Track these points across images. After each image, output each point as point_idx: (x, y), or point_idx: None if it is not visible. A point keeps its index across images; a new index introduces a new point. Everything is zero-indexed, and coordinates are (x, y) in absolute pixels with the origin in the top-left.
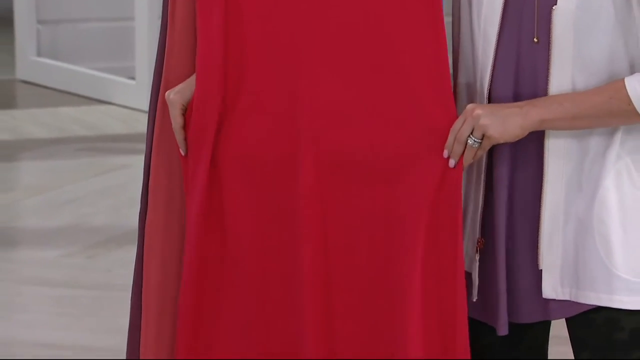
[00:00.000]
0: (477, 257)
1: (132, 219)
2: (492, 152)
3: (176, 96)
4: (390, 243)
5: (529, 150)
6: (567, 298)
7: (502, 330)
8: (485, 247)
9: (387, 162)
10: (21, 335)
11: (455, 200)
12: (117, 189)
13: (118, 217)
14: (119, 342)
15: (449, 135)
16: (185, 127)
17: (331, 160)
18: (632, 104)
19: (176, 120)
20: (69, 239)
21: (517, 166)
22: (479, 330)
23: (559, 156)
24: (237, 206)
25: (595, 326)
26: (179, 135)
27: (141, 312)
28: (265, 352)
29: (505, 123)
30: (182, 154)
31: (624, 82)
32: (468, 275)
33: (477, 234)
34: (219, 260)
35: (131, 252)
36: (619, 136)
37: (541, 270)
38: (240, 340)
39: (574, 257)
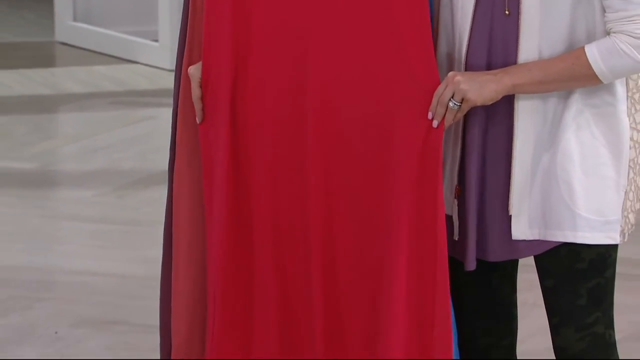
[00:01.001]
0: (456, 202)
1: (157, 163)
2: (468, 112)
3: (195, 71)
4: (382, 188)
5: (500, 111)
6: (535, 238)
7: (471, 266)
8: (462, 194)
9: (379, 120)
10: (60, 264)
11: (437, 154)
12: (143, 138)
13: (144, 161)
14: (146, 271)
15: (433, 99)
16: (203, 98)
17: (333, 117)
18: (592, 68)
19: (195, 92)
20: (101, 181)
21: (490, 125)
22: (458, 264)
23: (526, 115)
24: (256, 159)
25: (559, 258)
26: (197, 105)
27: (171, 246)
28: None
29: (481, 88)
30: (198, 121)
31: (584, 50)
32: (449, 218)
33: (455, 182)
34: (242, 204)
35: (156, 192)
36: (577, 95)
37: (511, 215)
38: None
39: (542, 202)
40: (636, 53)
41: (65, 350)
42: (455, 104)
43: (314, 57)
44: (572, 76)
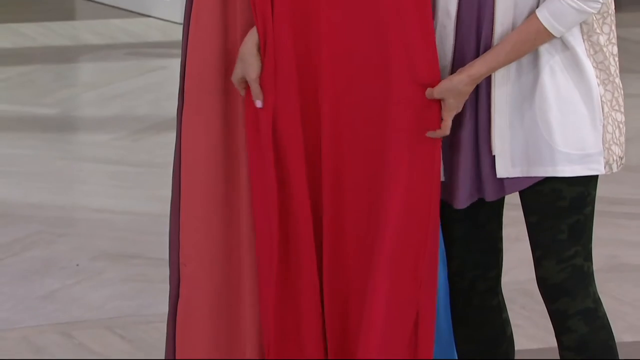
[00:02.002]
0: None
1: (169, 110)
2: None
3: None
4: (385, 144)
5: None
6: (518, 175)
7: (462, 205)
8: (454, 139)
9: (382, 92)
10: (81, 202)
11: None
12: (156, 86)
13: (157, 108)
14: (159, 208)
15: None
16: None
17: (342, 88)
18: (551, 32)
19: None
20: (118, 126)
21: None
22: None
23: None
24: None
25: (542, 195)
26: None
27: (180, 185)
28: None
29: (463, 95)
30: (259, 105)
31: (539, 21)
32: None
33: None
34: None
35: (168, 137)
36: (545, 44)
37: (494, 156)
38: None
39: (523, 142)
40: (583, 5)
41: (85, 282)
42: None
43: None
44: (535, 44)
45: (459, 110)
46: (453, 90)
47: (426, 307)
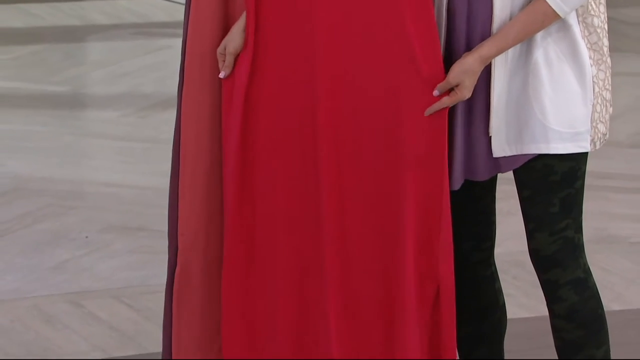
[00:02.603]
0: None
1: (174, 88)
2: (452, 52)
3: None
4: (390, 173)
5: None
6: (513, 154)
7: (456, 185)
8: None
9: (387, 104)
10: (90, 177)
11: (443, 138)
12: (161, 65)
13: (163, 86)
14: (164, 183)
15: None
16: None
17: (341, 81)
18: (557, 13)
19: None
20: (125, 103)
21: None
22: None
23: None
24: (265, 140)
25: (535, 171)
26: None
27: (179, 161)
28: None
29: (476, 75)
30: (221, 76)
31: (546, 1)
32: None
33: None
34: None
35: (173, 114)
36: None
37: (491, 136)
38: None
39: (517, 122)
40: None
41: (94, 253)
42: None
43: (322, 35)
44: (543, 26)
45: (470, 94)
46: (468, 71)
47: (445, 281)
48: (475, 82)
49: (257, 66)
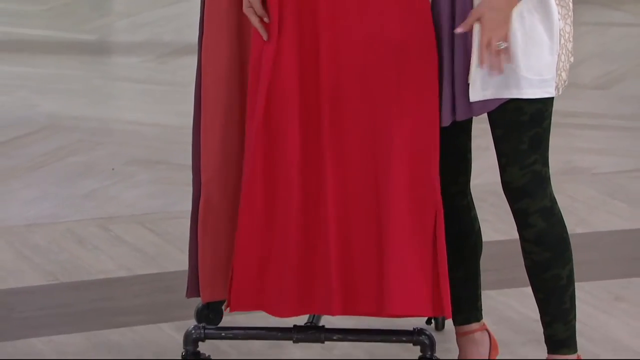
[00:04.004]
0: None
1: (191, 37)
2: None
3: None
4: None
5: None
6: (488, 98)
7: (445, 122)
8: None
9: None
10: (115, 115)
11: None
12: (179, 16)
13: (180, 35)
14: (181, 122)
15: (481, 51)
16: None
17: (343, 40)
18: None
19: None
20: (146, 50)
21: (456, 14)
22: None
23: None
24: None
25: (507, 112)
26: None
27: (200, 102)
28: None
29: (500, 13)
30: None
31: None
32: None
33: None
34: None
35: (190, 60)
36: None
37: (469, 84)
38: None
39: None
40: None
41: (120, 183)
42: (500, 44)
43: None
44: None
45: (502, 31)
46: (484, 2)
47: (441, 208)
48: (496, 18)
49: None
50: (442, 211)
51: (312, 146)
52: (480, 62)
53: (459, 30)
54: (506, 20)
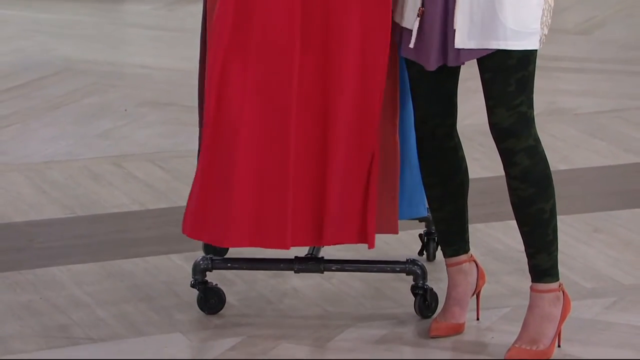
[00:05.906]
0: (418, 20)
1: None
2: None
3: None
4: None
5: None
6: (472, 47)
7: (432, 67)
8: (425, 14)
9: None
10: (127, 60)
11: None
12: None
13: None
14: (188, 66)
15: None
16: None
17: None
18: None
19: None
20: None
21: None
22: (415, 64)
23: None
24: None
25: (495, 58)
26: None
27: (205, 48)
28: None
29: None
30: None
31: None
32: (409, 30)
33: (419, 5)
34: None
35: (196, 7)
36: None
37: (455, 30)
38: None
39: (480, 20)
40: None
41: (132, 124)
42: None
43: None
44: None
45: None
46: None
47: (377, 152)
48: None
49: None
50: (379, 156)
51: (282, 70)
52: None
53: None
54: None
